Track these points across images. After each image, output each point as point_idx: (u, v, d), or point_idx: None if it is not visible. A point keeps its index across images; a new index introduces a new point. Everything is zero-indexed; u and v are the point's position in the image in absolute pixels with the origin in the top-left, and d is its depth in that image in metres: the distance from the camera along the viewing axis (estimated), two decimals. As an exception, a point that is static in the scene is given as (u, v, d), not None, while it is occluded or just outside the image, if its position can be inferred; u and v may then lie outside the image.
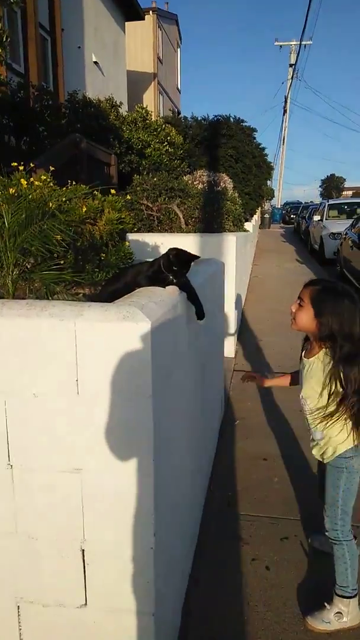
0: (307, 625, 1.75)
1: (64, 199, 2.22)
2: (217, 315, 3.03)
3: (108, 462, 1.28)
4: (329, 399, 1.68)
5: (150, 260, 1.91)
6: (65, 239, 2.20)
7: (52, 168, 3.18)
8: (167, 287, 1.65)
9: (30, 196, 1.93)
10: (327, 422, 1.72)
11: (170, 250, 1.79)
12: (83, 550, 1.35)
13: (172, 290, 1.64)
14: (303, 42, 24.61)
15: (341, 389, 1.65)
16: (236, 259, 4.85)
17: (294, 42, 30.03)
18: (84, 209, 2.31)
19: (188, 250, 1.84)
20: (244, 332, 5.77)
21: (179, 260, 1.74)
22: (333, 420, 1.70)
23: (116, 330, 1.21)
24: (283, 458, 2.91)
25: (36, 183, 2.41)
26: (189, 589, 1.92)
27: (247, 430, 3.28)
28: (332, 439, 1.75)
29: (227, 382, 4.15)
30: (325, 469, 1.83)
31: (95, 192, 2.59)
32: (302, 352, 1.89)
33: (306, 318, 1.72)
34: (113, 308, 1.25)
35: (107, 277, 2.47)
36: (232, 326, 4.94)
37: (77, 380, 1.25)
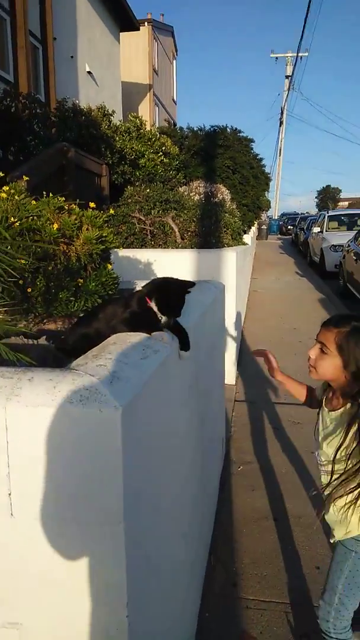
0: None
1: (25, 215, 1.80)
2: (217, 346, 2.61)
3: (59, 616, 0.85)
4: (347, 460, 1.34)
5: (131, 293, 1.49)
6: (30, 263, 1.80)
7: (25, 178, 2.79)
8: (154, 334, 1.23)
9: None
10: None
11: (156, 282, 1.37)
12: None
13: (160, 338, 1.23)
14: (299, 54, 24.67)
15: None
16: (236, 277, 4.44)
17: (290, 54, 30.08)
18: (56, 226, 1.90)
19: (179, 278, 1.42)
20: (245, 354, 5.33)
21: (171, 295, 1.32)
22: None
23: (68, 421, 0.78)
24: (299, 518, 2.39)
25: (1, 195, 2.02)
26: None
27: (252, 479, 2.80)
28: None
29: (229, 414, 3.71)
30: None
31: (73, 205, 2.18)
32: (322, 397, 1.54)
33: (332, 368, 1.39)
34: (66, 382, 0.82)
35: (85, 307, 2.07)
36: (233, 350, 4.51)
37: (10, 496, 0.82)
